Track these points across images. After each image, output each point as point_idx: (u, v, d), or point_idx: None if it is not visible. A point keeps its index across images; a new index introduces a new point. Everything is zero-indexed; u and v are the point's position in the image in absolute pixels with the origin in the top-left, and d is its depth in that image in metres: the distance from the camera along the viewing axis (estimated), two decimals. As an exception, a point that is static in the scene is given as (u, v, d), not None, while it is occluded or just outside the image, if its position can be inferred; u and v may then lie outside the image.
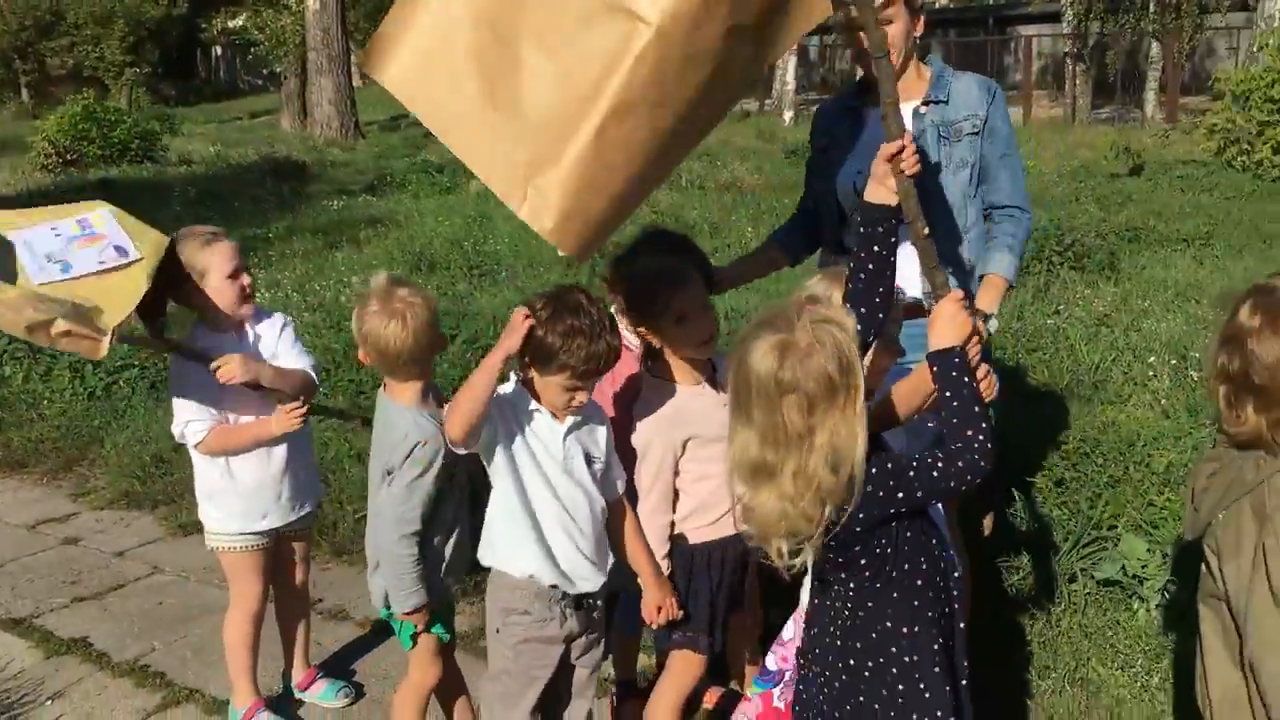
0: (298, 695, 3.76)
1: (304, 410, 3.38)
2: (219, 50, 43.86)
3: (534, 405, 2.73)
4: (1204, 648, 2.19)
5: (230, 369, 3.24)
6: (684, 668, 3.07)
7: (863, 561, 2.18)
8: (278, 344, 3.51)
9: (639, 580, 2.95)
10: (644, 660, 3.69)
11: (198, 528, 5.00)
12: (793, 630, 2.81)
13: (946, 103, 3.33)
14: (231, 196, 13.75)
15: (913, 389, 2.46)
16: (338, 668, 3.92)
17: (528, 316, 2.60)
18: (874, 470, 2.11)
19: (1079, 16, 24.09)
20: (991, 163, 3.38)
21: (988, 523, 3.46)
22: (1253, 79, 14.56)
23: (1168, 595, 3.84)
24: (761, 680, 2.95)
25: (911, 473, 2.14)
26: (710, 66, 2.38)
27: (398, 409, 2.98)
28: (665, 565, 2.96)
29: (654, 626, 2.99)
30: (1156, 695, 3.50)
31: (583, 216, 2.38)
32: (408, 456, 2.89)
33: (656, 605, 2.93)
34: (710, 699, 3.58)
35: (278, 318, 3.57)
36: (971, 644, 3.08)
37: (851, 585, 2.23)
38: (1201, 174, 13.23)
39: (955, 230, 3.36)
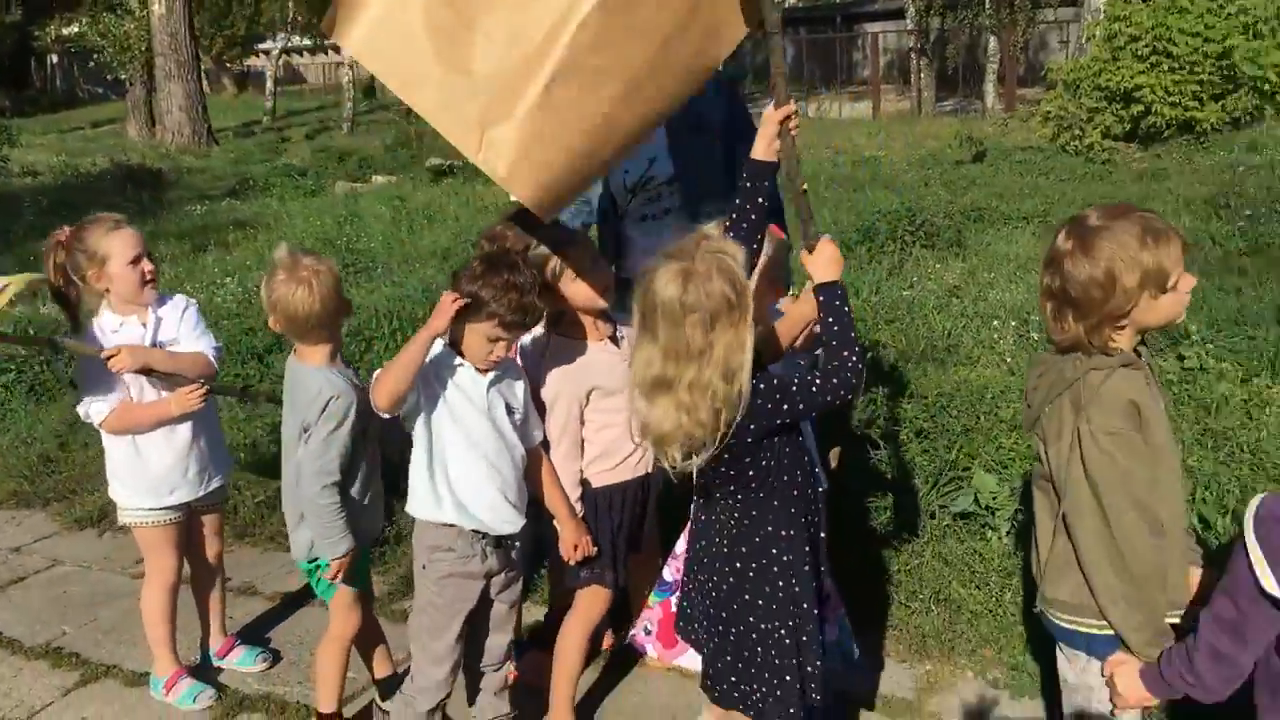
0: (217, 663, 3.90)
1: (203, 391, 3.53)
2: (54, 59, 42.16)
3: (459, 361, 2.96)
4: (1036, 524, 2.57)
5: (120, 359, 3.38)
6: (591, 602, 3.34)
7: (750, 473, 2.49)
8: (179, 327, 3.64)
9: (555, 522, 3.21)
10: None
11: (93, 521, 5.12)
12: (684, 544, 3.14)
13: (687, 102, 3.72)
14: (86, 205, 13.40)
15: (793, 323, 2.78)
16: (253, 637, 4.06)
17: (456, 300, 2.83)
18: (762, 387, 2.42)
19: (920, 13, 25.16)
20: (740, 151, 3.80)
21: (834, 455, 3.82)
22: (1082, 69, 15.51)
23: (1016, 524, 4.27)
24: (660, 590, 3.29)
25: (794, 388, 2.47)
26: (654, 44, 2.66)
27: (308, 369, 3.17)
28: (579, 508, 3.23)
29: (571, 563, 3.25)
30: (1009, 608, 3.90)
31: (537, 168, 2.63)
32: (323, 411, 3.09)
33: (573, 543, 3.20)
34: (607, 642, 3.85)
35: (180, 300, 3.70)
36: (848, 576, 3.43)
37: (739, 496, 2.54)
38: (1038, 158, 14.04)
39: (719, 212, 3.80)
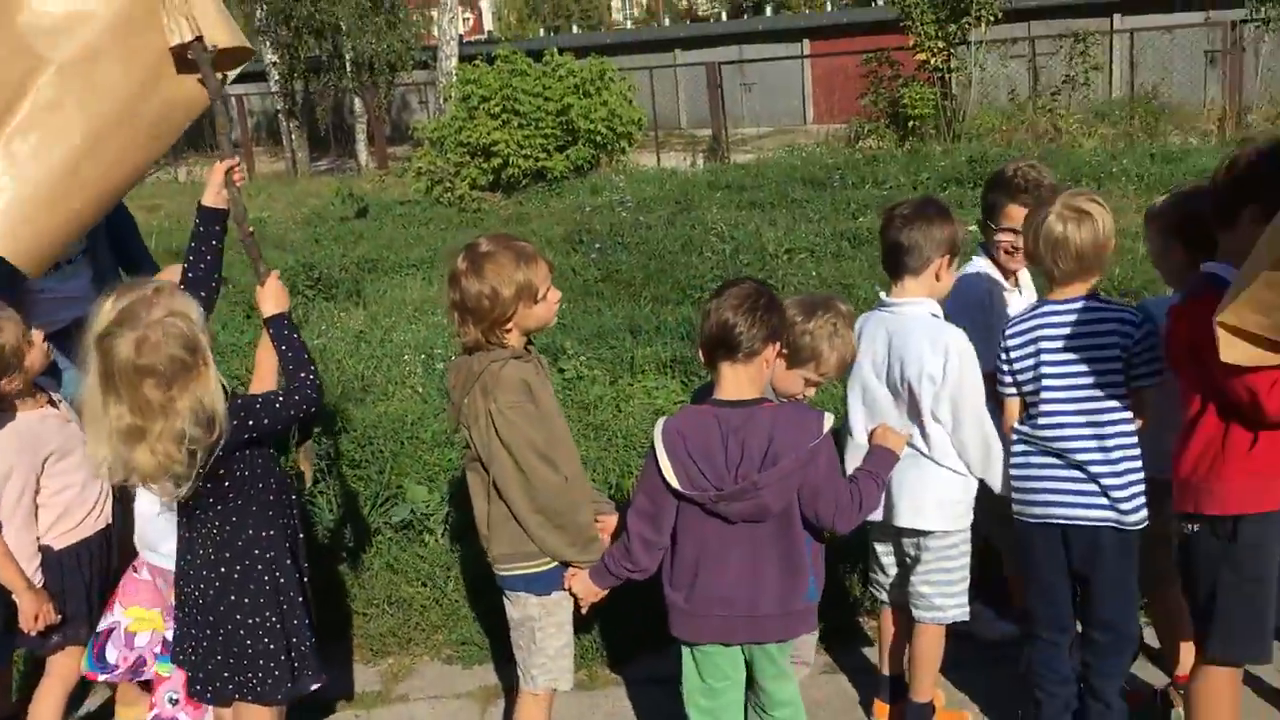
0: None
1: None
2: None
3: None
4: (473, 499, 3.14)
5: None
6: (66, 663, 3.39)
7: (227, 484, 2.82)
8: None
9: (14, 596, 3.21)
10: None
11: None
12: None
13: None
14: None
15: (263, 363, 3.13)
16: None
17: None
18: (229, 409, 2.75)
19: (284, 76, 25.60)
20: (125, 219, 4.40)
21: (304, 458, 4.02)
22: (444, 126, 16.92)
23: (448, 525, 4.90)
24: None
25: (258, 405, 2.84)
26: (115, 106, 3.00)
27: None
28: (38, 577, 3.27)
29: (32, 634, 3.27)
30: (453, 596, 4.51)
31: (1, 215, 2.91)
32: None
33: (33, 614, 3.23)
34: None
35: None
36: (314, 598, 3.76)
37: (219, 507, 2.86)
38: (417, 211, 15.11)
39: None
